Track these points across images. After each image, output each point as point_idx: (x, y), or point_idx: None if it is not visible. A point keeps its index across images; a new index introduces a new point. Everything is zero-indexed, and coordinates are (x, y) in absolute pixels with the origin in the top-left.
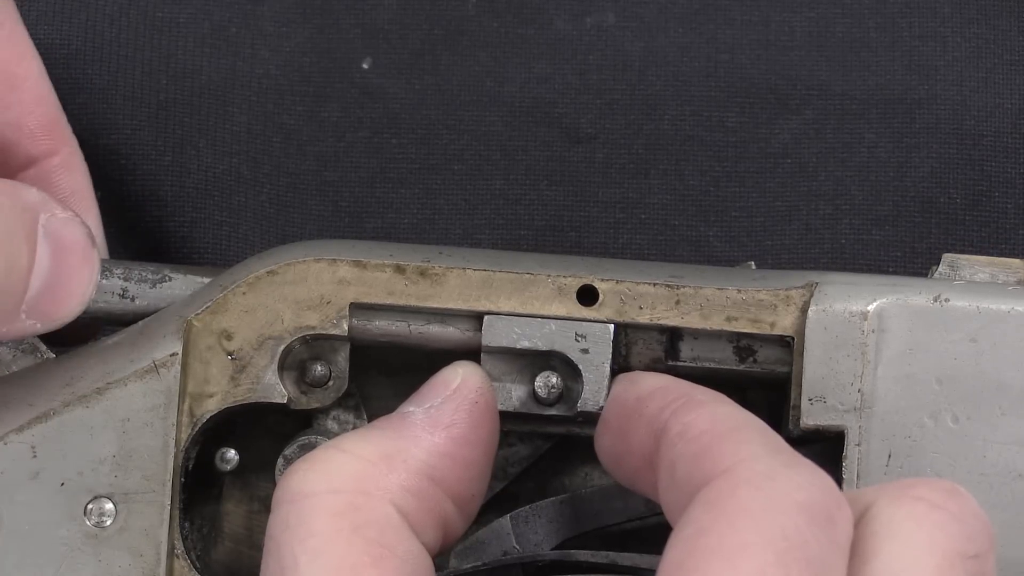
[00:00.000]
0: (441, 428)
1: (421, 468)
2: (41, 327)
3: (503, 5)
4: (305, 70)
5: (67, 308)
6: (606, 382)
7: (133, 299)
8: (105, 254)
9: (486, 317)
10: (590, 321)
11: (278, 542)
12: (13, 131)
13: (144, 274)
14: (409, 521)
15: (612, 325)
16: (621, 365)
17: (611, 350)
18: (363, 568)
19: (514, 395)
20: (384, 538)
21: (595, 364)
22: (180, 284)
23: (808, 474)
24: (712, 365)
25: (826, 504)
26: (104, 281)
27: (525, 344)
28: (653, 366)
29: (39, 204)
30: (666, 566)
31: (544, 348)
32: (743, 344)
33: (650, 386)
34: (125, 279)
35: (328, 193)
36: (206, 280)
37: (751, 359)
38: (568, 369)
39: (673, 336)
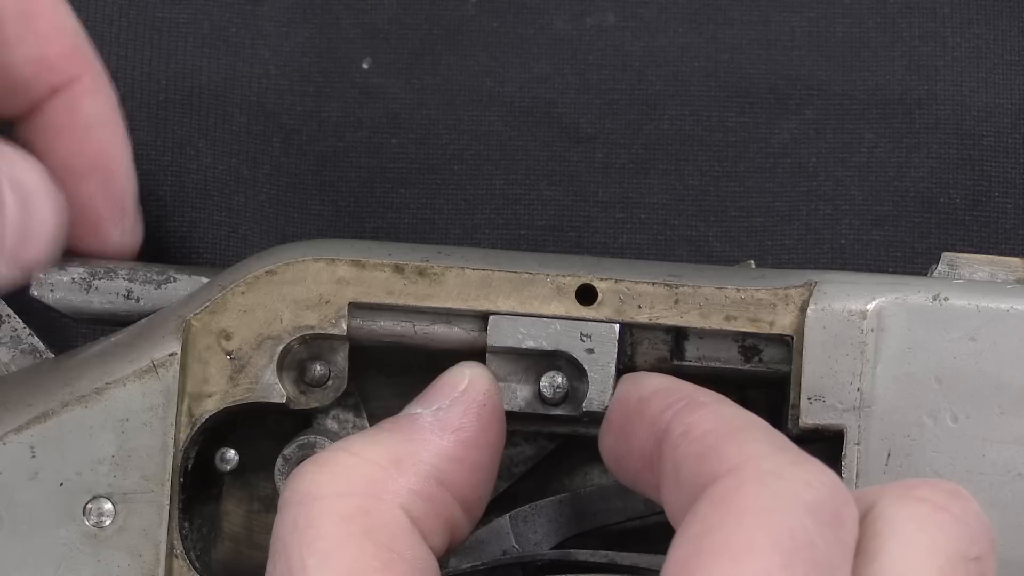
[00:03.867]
0: (450, 431)
1: (430, 472)
2: (21, 277)
3: (503, 5)
4: (305, 70)
5: (36, 251)
6: (611, 382)
7: (138, 300)
8: (135, 189)
9: (491, 317)
10: (590, 320)
11: (285, 543)
12: (33, 65)
13: (149, 275)
14: (418, 525)
15: (617, 325)
16: (627, 365)
17: (616, 350)
18: (372, 573)
19: (519, 395)
20: (394, 543)
21: (600, 364)
22: (185, 285)
23: (816, 472)
24: (718, 365)
25: (834, 503)
26: (109, 282)
27: (530, 344)
28: (658, 366)
29: None
30: (671, 565)
31: (549, 348)
32: (748, 344)
33: (652, 387)
34: (130, 280)
35: (328, 193)
36: (206, 280)
37: (756, 359)
38: (573, 369)
39: (679, 336)
